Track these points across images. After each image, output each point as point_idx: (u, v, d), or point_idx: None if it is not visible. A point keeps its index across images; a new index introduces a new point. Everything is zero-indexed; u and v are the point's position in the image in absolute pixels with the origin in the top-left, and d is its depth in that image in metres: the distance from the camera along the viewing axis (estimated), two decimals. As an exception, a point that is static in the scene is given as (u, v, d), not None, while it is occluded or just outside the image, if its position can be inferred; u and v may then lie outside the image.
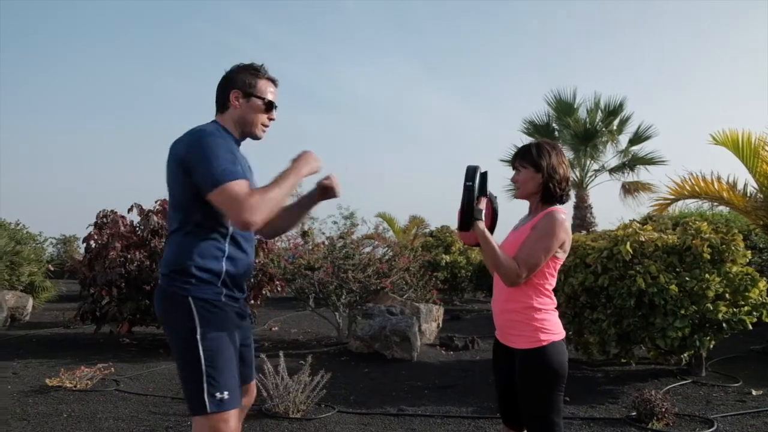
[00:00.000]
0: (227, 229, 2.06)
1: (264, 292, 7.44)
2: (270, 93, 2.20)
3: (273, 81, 2.24)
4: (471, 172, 2.14)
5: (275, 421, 4.07)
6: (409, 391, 4.93)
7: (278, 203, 1.96)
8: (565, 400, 4.47)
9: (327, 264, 7.01)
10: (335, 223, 14.44)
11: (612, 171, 14.04)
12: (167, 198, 2.19)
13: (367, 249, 7.68)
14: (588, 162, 14.03)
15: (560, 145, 2.39)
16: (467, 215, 2.13)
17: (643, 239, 4.99)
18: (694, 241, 4.89)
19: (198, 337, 1.95)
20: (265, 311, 10.59)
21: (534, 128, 14.05)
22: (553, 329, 2.16)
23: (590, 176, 14.20)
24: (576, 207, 14.13)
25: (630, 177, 13.89)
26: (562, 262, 2.21)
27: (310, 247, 7.51)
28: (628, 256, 4.88)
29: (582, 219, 13.79)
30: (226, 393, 1.95)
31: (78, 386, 4.95)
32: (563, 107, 13.72)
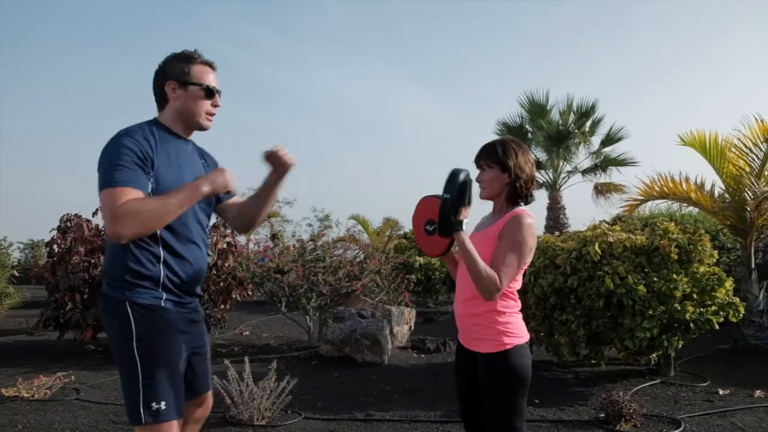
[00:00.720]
0: (157, 235, 1.93)
1: (234, 296, 7.32)
2: (208, 78, 2.08)
3: (210, 65, 2.11)
4: (451, 181, 2.03)
5: (239, 428, 3.97)
6: (378, 396, 4.85)
7: (157, 217, 1.83)
8: (534, 402, 4.45)
9: (297, 267, 6.91)
10: (310, 225, 14.33)
11: (584, 172, 14.16)
12: None
13: (339, 251, 7.58)
14: (561, 163, 14.13)
15: (526, 144, 2.32)
16: (445, 230, 2.03)
17: (612, 240, 4.99)
18: (661, 242, 4.90)
19: (134, 344, 1.87)
20: (237, 315, 10.43)
21: (507, 129, 14.09)
22: (517, 332, 2.11)
23: (563, 177, 14.31)
24: (549, 208, 14.21)
25: (602, 178, 14.05)
26: (527, 265, 2.15)
27: (279, 251, 7.40)
28: (596, 256, 4.87)
29: (555, 220, 13.87)
30: (162, 403, 1.85)
31: (36, 396, 4.77)
32: (536, 109, 13.78)
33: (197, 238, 2.07)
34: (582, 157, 14.16)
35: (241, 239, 7.55)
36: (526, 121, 14.05)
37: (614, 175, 13.91)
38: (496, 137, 12.07)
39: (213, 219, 7.24)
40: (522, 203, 2.17)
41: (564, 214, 14.07)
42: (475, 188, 2.14)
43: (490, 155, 2.15)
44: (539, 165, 14.11)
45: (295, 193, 17.62)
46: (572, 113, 13.86)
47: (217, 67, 2.13)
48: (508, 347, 2.06)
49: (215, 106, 2.11)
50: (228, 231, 7.48)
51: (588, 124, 13.87)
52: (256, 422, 4.02)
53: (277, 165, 2.17)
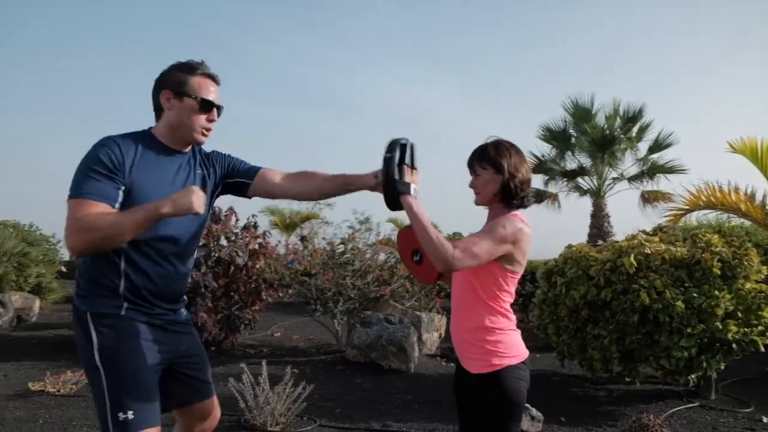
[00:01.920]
0: (120, 249, 1.86)
1: (264, 297, 7.31)
2: (207, 91, 1.97)
3: (212, 77, 2.00)
4: (391, 143, 1.94)
5: (252, 434, 3.91)
6: (399, 405, 4.72)
7: (112, 234, 1.75)
8: (560, 420, 4.25)
9: (325, 270, 6.84)
10: (351, 227, 14.34)
11: (631, 179, 13.66)
12: None
13: (368, 255, 7.47)
14: (606, 170, 13.68)
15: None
16: (389, 190, 1.91)
17: (649, 251, 4.73)
18: (703, 255, 4.61)
19: (96, 353, 1.81)
20: (270, 316, 10.46)
21: (550, 134, 13.74)
22: (509, 352, 1.94)
23: (608, 184, 13.84)
24: (593, 216, 13.78)
25: (649, 186, 13.52)
26: (517, 278, 1.98)
27: (309, 253, 7.35)
28: (632, 269, 4.62)
29: (599, 228, 13.42)
30: (130, 413, 1.78)
31: (61, 391, 4.84)
32: (581, 113, 13.38)
33: (170, 254, 1.97)
34: (628, 164, 13.69)
35: (272, 240, 7.51)
36: (570, 125, 13.65)
37: (662, 182, 13.39)
38: (539, 142, 11.62)
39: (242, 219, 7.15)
40: (516, 207, 2.00)
41: (608, 222, 13.61)
42: (470, 195, 2.01)
43: (483, 157, 1.99)
44: (582, 171, 13.71)
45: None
46: (618, 118, 13.39)
47: (220, 82, 2.03)
48: (497, 368, 1.91)
49: (211, 120, 2.01)
50: (259, 232, 7.49)
51: (635, 129, 13.38)
52: (270, 428, 3.95)
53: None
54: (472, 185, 2.03)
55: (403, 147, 1.94)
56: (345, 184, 2.16)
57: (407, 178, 1.91)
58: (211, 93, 1.99)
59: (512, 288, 1.98)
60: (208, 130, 2.02)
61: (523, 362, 1.98)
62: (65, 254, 17.87)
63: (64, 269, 12.09)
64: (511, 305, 2.03)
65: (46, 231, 12.62)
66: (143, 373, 1.86)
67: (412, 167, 1.95)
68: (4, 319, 8.94)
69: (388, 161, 1.91)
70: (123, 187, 1.83)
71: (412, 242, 2.07)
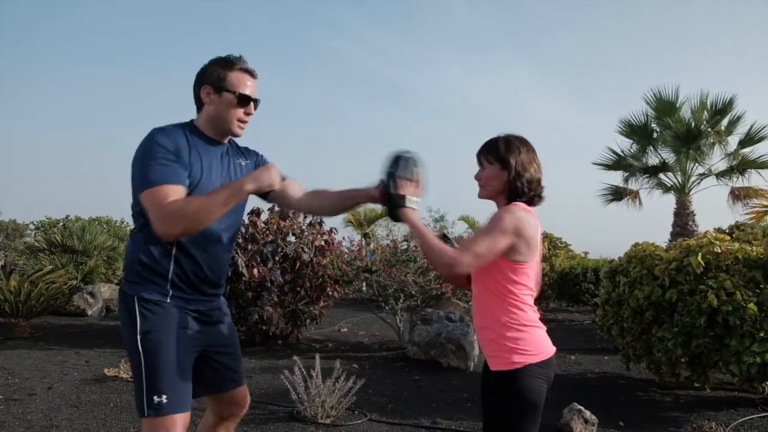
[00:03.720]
0: None
1: (329, 292, 7.46)
2: (244, 86, 2.06)
3: (249, 72, 2.09)
4: (390, 158, 1.98)
5: (303, 425, 4.00)
6: (452, 403, 4.70)
7: (202, 216, 1.86)
8: (619, 424, 4.09)
9: (387, 267, 6.89)
10: (426, 225, 14.43)
11: (719, 175, 12.87)
12: None
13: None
14: (691, 165, 12.95)
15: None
16: (387, 203, 1.95)
17: (719, 250, 4.45)
18: (780, 254, 4.29)
19: (138, 337, 1.90)
20: (341, 312, 10.67)
21: (631, 129, 13.16)
22: (530, 349, 1.88)
23: (693, 181, 13.10)
24: (676, 214, 13.08)
25: (740, 182, 12.68)
26: (528, 268, 1.91)
27: (372, 250, 7.42)
28: (699, 268, 4.37)
29: (683, 227, 12.73)
30: (164, 397, 1.87)
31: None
32: (664, 106, 12.72)
33: (216, 240, 2.07)
34: (716, 159, 12.90)
35: (338, 237, 7.65)
36: (652, 119, 13.01)
37: (754, 178, 12.52)
38: (618, 137, 11.13)
39: (302, 215, 7.32)
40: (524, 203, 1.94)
41: (693, 220, 12.88)
42: (475, 187, 1.97)
43: (491, 151, 1.96)
44: (665, 167, 13.05)
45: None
46: (706, 111, 12.62)
47: (257, 76, 2.13)
48: (517, 366, 1.85)
49: (248, 114, 2.10)
50: (326, 229, 7.66)
51: (724, 122, 12.58)
52: (320, 420, 4.03)
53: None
54: (476, 177, 2.00)
55: (402, 160, 1.97)
56: (352, 199, 2.23)
57: (405, 191, 1.92)
58: (248, 87, 2.08)
59: (526, 280, 1.91)
60: (245, 122, 2.11)
61: (545, 360, 1.91)
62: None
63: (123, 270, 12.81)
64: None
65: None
66: (180, 360, 1.95)
67: (412, 180, 1.97)
68: (93, 309, 9.61)
69: (387, 176, 1.95)
70: (186, 172, 1.94)
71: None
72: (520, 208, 1.90)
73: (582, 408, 3.95)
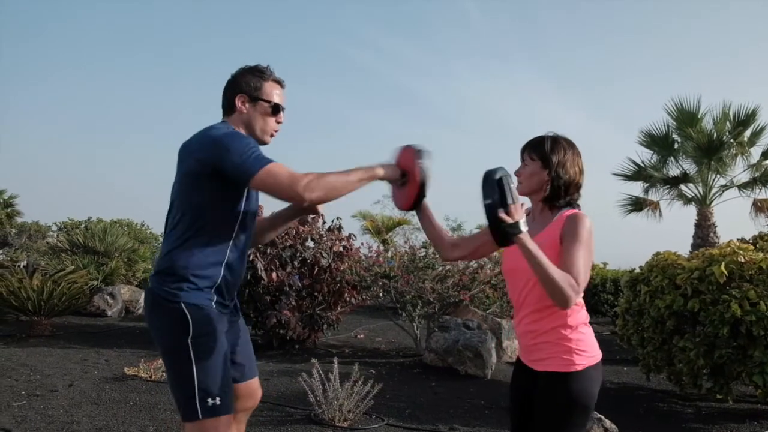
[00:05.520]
0: (232, 235, 2.03)
1: (347, 298, 7.47)
2: (276, 95, 2.13)
3: (279, 83, 2.17)
4: (486, 181, 1.82)
5: (320, 428, 4.01)
6: (469, 410, 4.68)
7: (337, 189, 1.92)
8: (638, 435, 4.04)
9: (404, 273, 6.88)
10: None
11: (741, 187, 12.70)
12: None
13: (450, 259, 7.44)
14: (713, 176, 12.80)
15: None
16: (501, 239, 1.82)
17: (743, 260, 4.40)
18: (806, 265, 4.23)
19: (189, 342, 1.91)
20: (357, 318, 10.67)
21: (651, 140, 13.03)
22: (590, 351, 1.86)
23: (715, 192, 12.93)
24: (697, 225, 12.92)
25: (763, 193, 12.51)
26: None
27: (391, 256, 7.43)
28: (722, 278, 4.32)
29: (704, 239, 12.56)
30: (218, 399, 1.90)
31: (153, 377, 5.20)
32: (685, 117, 12.59)
33: (247, 245, 2.15)
34: (738, 170, 12.74)
35: (356, 242, 7.67)
36: (673, 129, 12.88)
37: (777, 190, 12.35)
38: (639, 147, 10.90)
39: (327, 222, 7.37)
40: (562, 208, 1.94)
41: (715, 232, 12.71)
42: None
43: (535, 148, 1.95)
44: (686, 178, 12.91)
45: (433, 202, 17.64)
46: (728, 122, 12.47)
47: (285, 86, 2.19)
48: (578, 368, 1.82)
49: (279, 122, 2.17)
50: (345, 234, 7.68)
51: (747, 133, 12.42)
52: (338, 423, 4.03)
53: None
54: (517, 173, 1.99)
55: (505, 184, 1.81)
56: (279, 217, 2.37)
57: (516, 216, 1.78)
58: (279, 97, 2.15)
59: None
60: (276, 131, 2.18)
61: (599, 362, 1.90)
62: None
63: (156, 273, 12.91)
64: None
65: (156, 230, 13.59)
66: (226, 363, 1.99)
67: (514, 201, 1.81)
68: (113, 310, 9.72)
69: (489, 207, 1.80)
70: None
71: (403, 164, 2.14)
72: (585, 215, 1.88)
73: (602, 417, 3.91)
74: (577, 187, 1.95)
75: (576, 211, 1.92)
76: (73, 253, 10.77)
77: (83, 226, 12.10)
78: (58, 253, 10.94)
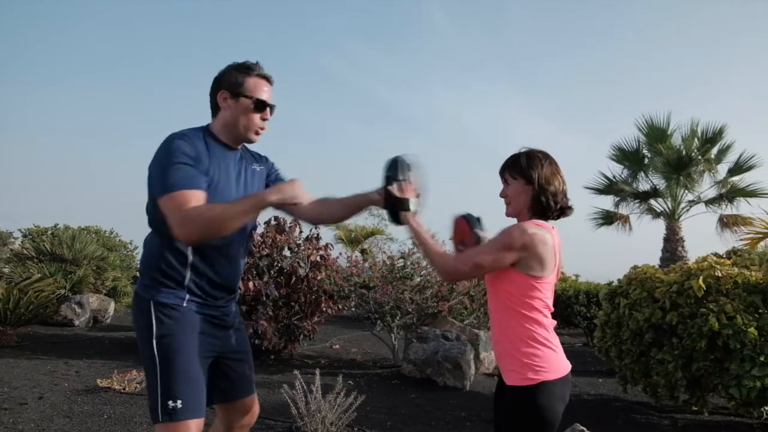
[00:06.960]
0: None
1: (324, 308, 7.40)
2: (261, 91, 2.06)
3: (266, 78, 2.09)
4: (390, 162, 2.05)
5: (302, 440, 3.94)
6: (450, 422, 4.66)
7: (223, 223, 1.84)
8: (619, 446, 4.07)
9: (384, 283, 6.86)
10: (415, 244, 14.44)
11: (708, 202, 13.03)
12: None
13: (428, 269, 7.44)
14: (681, 192, 13.11)
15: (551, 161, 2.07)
16: (389, 207, 2.00)
17: (720, 274, 4.49)
18: (780, 280, 4.34)
19: (154, 341, 1.88)
20: (331, 329, 10.59)
21: (622, 154, 13.31)
22: (546, 367, 1.86)
23: (683, 207, 13.24)
24: (666, 239, 13.19)
25: (729, 209, 12.86)
26: (544, 283, 1.88)
27: (369, 266, 7.39)
28: (700, 292, 4.40)
29: (672, 252, 12.84)
30: (179, 402, 1.84)
31: (126, 389, 5.06)
32: (655, 133, 12.90)
33: (232, 249, 2.06)
34: (706, 186, 13.07)
35: (333, 252, 7.61)
36: (644, 145, 13.18)
37: (743, 206, 12.71)
38: (611, 162, 11.21)
39: (309, 228, 7.30)
40: (551, 219, 1.95)
41: (683, 246, 12.99)
42: (501, 204, 1.98)
43: (514, 166, 1.96)
44: (656, 193, 13.19)
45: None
46: (696, 138, 12.82)
47: (273, 82, 2.12)
48: (532, 383, 1.84)
49: (264, 119, 2.09)
50: (322, 244, 7.62)
51: (714, 150, 12.76)
52: (320, 436, 3.98)
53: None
54: (502, 195, 2.00)
55: (401, 164, 2.01)
56: (356, 205, 2.24)
57: (407, 194, 1.96)
58: (265, 93, 2.07)
59: (540, 295, 1.88)
60: (262, 128, 2.10)
61: (560, 378, 1.89)
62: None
63: (138, 274, 12.68)
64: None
65: (125, 237, 13.31)
66: (195, 365, 1.93)
67: (411, 183, 2.01)
68: (81, 319, 9.45)
69: (387, 179, 1.99)
70: (206, 176, 1.92)
71: (458, 232, 2.13)
72: (533, 224, 1.88)
73: (585, 429, 3.93)
74: (564, 194, 1.97)
75: (527, 221, 1.92)
76: (39, 260, 10.47)
77: (50, 233, 11.77)
78: (24, 261, 10.62)
